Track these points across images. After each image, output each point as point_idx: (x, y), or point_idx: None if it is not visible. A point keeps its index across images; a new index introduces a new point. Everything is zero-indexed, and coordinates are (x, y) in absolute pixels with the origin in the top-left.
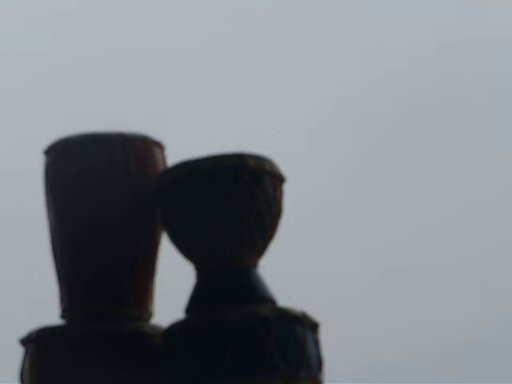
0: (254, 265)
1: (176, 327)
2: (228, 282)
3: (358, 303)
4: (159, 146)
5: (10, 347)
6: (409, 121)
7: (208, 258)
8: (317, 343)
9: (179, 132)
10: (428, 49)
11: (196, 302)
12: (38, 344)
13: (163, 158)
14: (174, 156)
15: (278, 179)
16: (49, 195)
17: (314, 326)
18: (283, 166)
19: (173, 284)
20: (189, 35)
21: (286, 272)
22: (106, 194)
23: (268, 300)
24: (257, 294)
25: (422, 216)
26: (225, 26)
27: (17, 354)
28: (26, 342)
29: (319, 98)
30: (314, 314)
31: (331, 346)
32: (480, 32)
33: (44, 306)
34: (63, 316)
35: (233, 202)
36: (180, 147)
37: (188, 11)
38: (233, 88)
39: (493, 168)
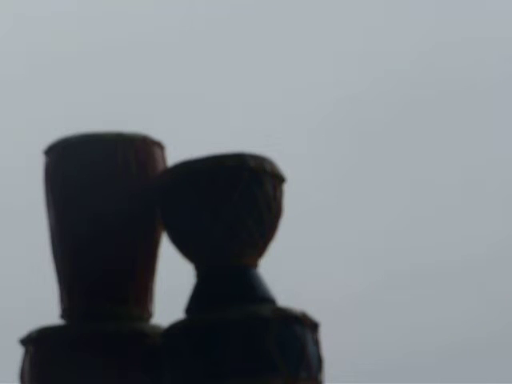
0: (254, 265)
1: (176, 327)
2: (228, 281)
3: (358, 303)
4: (159, 145)
5: (10, 347)
6: (408, 120)
7: (208, 258)
8: (317, 343)
9: (179, 131)
10: (428, 48)
11: (196, 302)
12: (38, 344)
13: (163, 158)
14: (174, 156)
15: (278, 179)
16: (49, 195)
17: (313, 326)
18: (283, 166)
19: (173, 284)
20: (188, 35)
21: (286, 272)
22: (106, 194)
23: (268, 300)
24: (257, 293)
25: (422, 215)
26: (225, 26)
27: (17, 353)
28: (26, 341)
29: (319, 97)
30: (314, 314)
31: (331, 346)
32: (480, 32)
33: (44, 306)
34: (63, 316)
35: (233, 202)
36: (180, 147)
37: (187, 8)
38: (233, 88)
39: (492, 166)
